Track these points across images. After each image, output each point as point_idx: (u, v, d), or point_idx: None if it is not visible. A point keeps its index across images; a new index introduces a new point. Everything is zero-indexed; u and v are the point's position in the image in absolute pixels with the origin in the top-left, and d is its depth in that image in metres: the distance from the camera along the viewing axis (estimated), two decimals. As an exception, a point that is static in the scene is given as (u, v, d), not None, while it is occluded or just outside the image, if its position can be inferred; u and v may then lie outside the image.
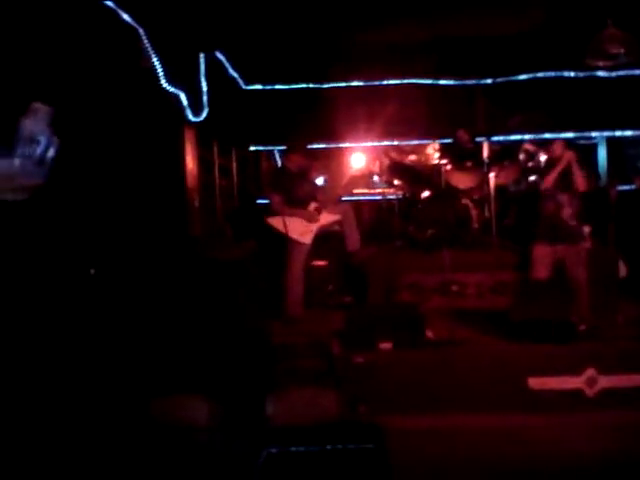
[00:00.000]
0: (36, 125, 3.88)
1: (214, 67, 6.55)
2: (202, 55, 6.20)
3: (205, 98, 6.12)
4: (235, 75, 7.72)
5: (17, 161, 3.86)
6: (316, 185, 5.86)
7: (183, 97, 5.54)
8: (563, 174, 5.31)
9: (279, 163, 8.52)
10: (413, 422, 4.11)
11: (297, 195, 5.49)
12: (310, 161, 5.84)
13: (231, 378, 3.44)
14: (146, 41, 4.82)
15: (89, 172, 4.24)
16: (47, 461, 2.57)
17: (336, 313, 5.35)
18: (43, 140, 3.91)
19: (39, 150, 3.92)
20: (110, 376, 3.36)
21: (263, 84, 8.35)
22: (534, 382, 4.29)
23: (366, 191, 8.30)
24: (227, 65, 7.35)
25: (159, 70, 5.00)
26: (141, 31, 4.81)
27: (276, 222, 5.41)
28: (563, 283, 5.10)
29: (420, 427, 4.09)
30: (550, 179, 5.24)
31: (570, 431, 4.11)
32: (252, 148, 8.63)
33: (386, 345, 4.44)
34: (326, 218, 5.58)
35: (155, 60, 4.94)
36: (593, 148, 8.82)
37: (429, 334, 4.66)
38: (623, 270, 6.16)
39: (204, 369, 3.61)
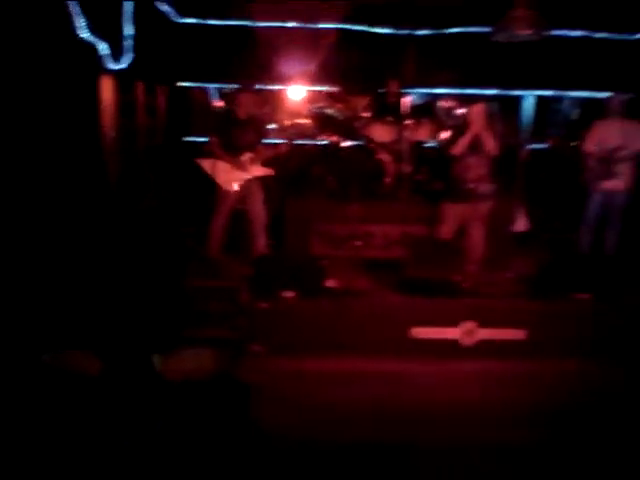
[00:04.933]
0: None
1: (141, 5, 6.42)
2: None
3: (129, 43, 6.08)
4: (166, 9, 7.60)
5: None
6: (260, 135, 5.79)
7: (102, 46, 5.53)
8: (474, 138, 5.51)
9: (219, 103, 8.51)
10: (310, 365, 4.57)
11: (236, 142, 5.53)
12: (261, 108, 5.83)
13: (123, 335, 3.75)
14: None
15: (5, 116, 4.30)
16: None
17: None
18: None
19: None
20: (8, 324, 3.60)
21: (197, 18, 8.21)
22: (416, 331, 4.79)
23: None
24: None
25: (77, 20, 4.97)
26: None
27: (206, 164, 5.53)
28: (458, 242, 5.55)
29: (316, 369, 4.55)
30: (461, 144, 5.49)
31: (447, 376, 4.65)
32: (182, 84, 8.55)
33: (289, 293, 4.83)
34: (259, 171, 5.68)
35: (73, 9, 4.89)
36: (519, 101, 9.12)
37: (330, 284, 5.06)
38: (524, 224, 6.67)
39: (101, 323, 3.90)
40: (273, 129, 7.94)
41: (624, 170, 6.05)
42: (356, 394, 4.27)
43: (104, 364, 2.94)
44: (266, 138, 6.13)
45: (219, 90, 8.64)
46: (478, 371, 4.65)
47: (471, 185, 5.55)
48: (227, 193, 5.59)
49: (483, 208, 5.66)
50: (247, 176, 5.63)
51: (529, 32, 5.71)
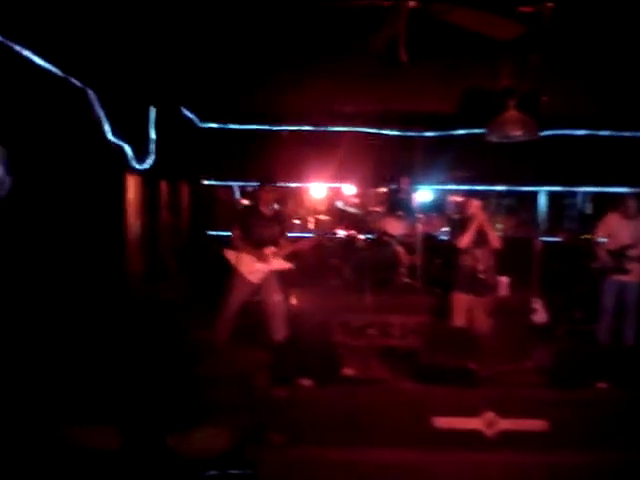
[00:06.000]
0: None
1: (167, 112, 6.89)
2: (153, 107, 6.54)
3: (152, 146, 6.53)
4: (189, 115, 8.13)
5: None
6: (283, 229, 6.01)
7: (127, 148, 5.94)
8: (478, 231, 5.74)
9: (242, 199, 8.92)
10: (329, 455, 4.48)
11: (259, 236, 5.76)
12: (284, 204, 6.06)
13: (142, 411, 3.78)
14: (95, 101, 5.26)
15: (37, 210, 4.58)
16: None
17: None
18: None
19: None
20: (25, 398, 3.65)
21: (217, 123, 8.75)
22: (438, 421, 4.71)
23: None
24: (182, 108, 7.77)
25: (105, 124, 5.43)
26: (90, 93, 5.26)
27: (230, 255, 5.76)
28: (472, 331, 5.58)
29: (335, 460, 4.46)
30: (466, 238, 5.70)
31: (469, 468, 4.53)
32: (206, 182, 8.97)
33: (306, 381, 4.82)
34: (279, 264, 5.86)
35: (102, 115, 5.35)
36: (534, 196, 9.28)
37: (347, 372, 5.06)
38: (543, 316, 6.69)
39: (120, 399, 3.93)
40: (296, 224, 8.27)
41: (635, 266, 6.14)
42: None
43: (124, 439, 2.96)
44: (289, 232, 6.34)
45: (241, 187, 9.05)
46: (504, 462, 4.53)
47: (481, 276, 5.69)
48: (244, 283, 5.75)
49: (489, 299, 5.81)
50: (268, 268, 5.80)
51: (519, 133, 5.93)
